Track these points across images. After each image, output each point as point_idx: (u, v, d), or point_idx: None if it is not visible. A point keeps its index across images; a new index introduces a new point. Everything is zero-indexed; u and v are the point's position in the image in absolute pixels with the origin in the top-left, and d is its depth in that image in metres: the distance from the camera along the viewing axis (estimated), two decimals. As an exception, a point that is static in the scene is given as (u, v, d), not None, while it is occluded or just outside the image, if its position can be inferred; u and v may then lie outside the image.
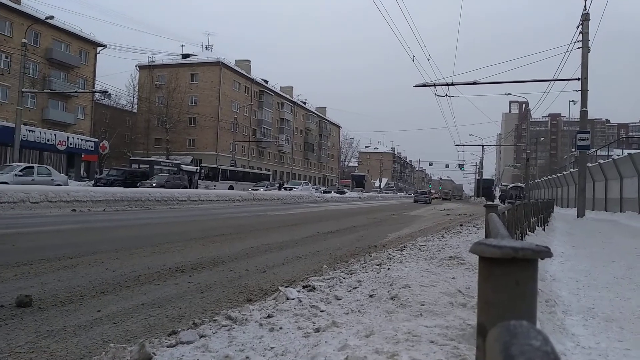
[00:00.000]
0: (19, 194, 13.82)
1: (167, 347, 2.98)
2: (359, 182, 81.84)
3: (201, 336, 3.15)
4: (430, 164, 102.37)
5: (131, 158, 46.17)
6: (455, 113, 62.80)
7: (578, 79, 18.93)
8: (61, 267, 5.57)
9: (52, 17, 32.76)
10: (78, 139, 37.76)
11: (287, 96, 77.30)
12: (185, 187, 30.40)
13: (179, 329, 3.39)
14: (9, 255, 6.14)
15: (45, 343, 3.19)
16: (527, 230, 9.97)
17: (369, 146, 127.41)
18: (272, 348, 2.89)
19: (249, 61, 67.15)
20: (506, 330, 0.68)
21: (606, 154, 28.35)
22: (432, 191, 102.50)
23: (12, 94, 36.77)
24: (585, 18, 18.36)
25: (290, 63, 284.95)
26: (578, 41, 18.67)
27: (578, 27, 18.67)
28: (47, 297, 4.30)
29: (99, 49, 47.24)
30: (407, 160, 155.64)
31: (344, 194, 52.85)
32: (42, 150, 34.10)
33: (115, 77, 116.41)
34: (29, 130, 32.48)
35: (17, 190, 14.03)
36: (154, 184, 28.07)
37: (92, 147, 38.29)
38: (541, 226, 12.97)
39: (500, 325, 0.73)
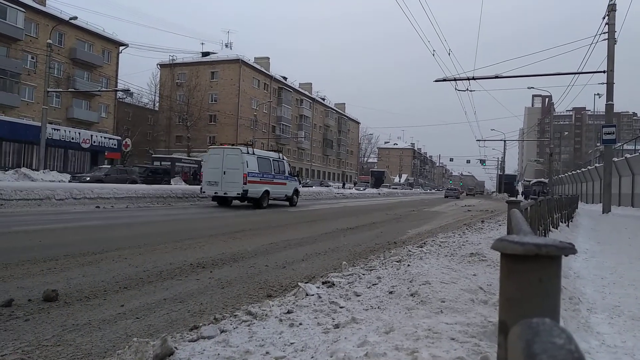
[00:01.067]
0: (45, 191, 14.16)
1: (189, 341, 3.02)
2: (378, 178, 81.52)
3: (222, 331, 3.18)
4: (451, 160, 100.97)
5: (153, 155, 46.87)
6: (476, 108, 61.84)
7: (604, 72, 18.46)
8: (86, 263, 5.70)
9: (75, 18, 33.35)
10: (101, 137, 38.42)
11: (306, 93, 77.33)
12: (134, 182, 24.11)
13: (200, 324, 3.43)
14: (36, 251, 6.30)
15: (71, 337, 3.27)
16: (551, 226, 9.79)
17: (388, 142, 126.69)
18: (291, 343, 2.90)
19: (268, 58, 67.42)
20: (529, 328, 0.67)
21: (633, 148, 27.59)
22: (452, 188, 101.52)
23: (38, 94, 37.65)
24: (611, 9, 17.88)
25: (309, 61, 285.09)
26: (604, 32, 18.20)
27: (604, 18, 18.19)
28: (72, 291, 4.39)
29: (121, 48, 47.99)
30: (428, 156, 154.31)
31: (328, 186, 50.36)
32: (67, 149, 34.80)
33: (137, 75, 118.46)
34: (54, 129, 33.17)
35: (43, 188, 14.38)
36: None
37: (115, 145, 38.92)
38: (565, 222, 12.73)
39: (522, 323, 0.71)
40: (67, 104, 42.27)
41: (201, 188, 17.75)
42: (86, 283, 4.74)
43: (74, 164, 34.81)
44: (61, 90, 38.11)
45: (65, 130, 34.90)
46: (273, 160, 19.18)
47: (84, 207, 14.35)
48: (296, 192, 20.23)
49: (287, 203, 19.93)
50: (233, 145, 18.71)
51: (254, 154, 17.81)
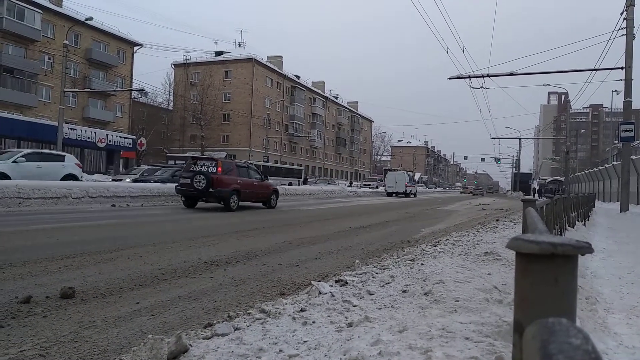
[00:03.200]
0: (62, 189, 14.37)
1: (203, 338, 3.04)
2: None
3: (236, 329, 3.20)
4: (465, 158, 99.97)
5: (167, 154, 47.36)
6: (490, 105, 61.35)
7: (622, 68, 18.14)
8: (102, 261, 5.77)
9: (91, 19, 33.79)
10: (117, 136, 38.86)
11: (319, 91, 77.34)
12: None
13: (214, 322, 3.45)
14: (53, 248, 6.40)
15: (87, 333, 3.32)
16: (567, 225, 9.66)
17: (401, 140, 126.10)
18: (305, 342, 2.90)
19: (281, 57, 67.56)
20: (544, 328, 0.66)
21: (652, 145, 27.12)
22: (466, 186, 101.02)
23: (54, 94, 38.26)
24: (630, 3, 17.54)
25: (323, 59, 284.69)
26: (622, 28, 17.87)
27: (622, 13, 17.86)
28: (88, 289, 4.46)
29: (135, 48, 48.54)
30: (441, 154, 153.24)
31: (335, 184, 49.63)
32: (83, 148, 35.27)
33: (152, 75, 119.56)
34: (71, 129, 33.64)
35: (60, 187, 14.59)
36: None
37: (130, 144, 39.35)
38: (581, 221, 12.55)
39: (538, 323, 0.70)
40: (83, 104, 42.89)
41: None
42: (102, 280, 4.80)
43: (90, 163, 35.26)
44: (77, 90, 38.67)
45: (81, 130, 35.39)
46: None
47: (100, 206, 14.54)
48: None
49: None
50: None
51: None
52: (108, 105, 45.54)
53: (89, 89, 40.76)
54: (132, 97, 49.51)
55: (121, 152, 38.27)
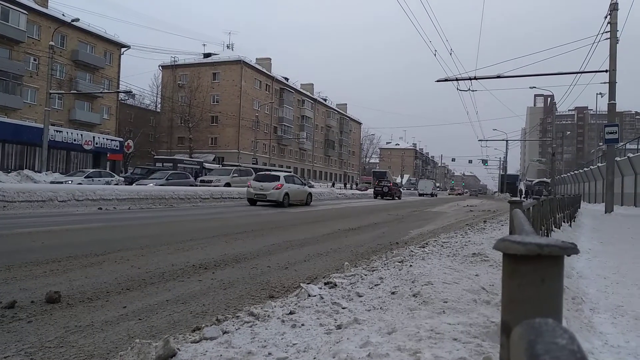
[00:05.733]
0: (47, 193, 14.19)
1: (191, 342, 3.02)
2: (381, 178, 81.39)
3: (224, 332, 3.18)
4: (453, 160, 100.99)
5: (155, 157, 46.97)
6: (478, 108, 61.89)
7: (606, 71, 18.42)
8: (88, 264, 5.70)
9: (77, 20, 33.48)
10: (103, 138, 38.52)
11: (308, 93, 77.35)
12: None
13: (203, 325, 3.43)
14: (38, 252, 6.31)
15: (73, 338, 3.28)
16: (553, 226, 9.77)
17: (390, 142, 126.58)
18: (294, 344, 2.90)
19: (270, 59, 67.48)
20: (531, 328, 0.67)
21: (636, 147, 27.53)
22: (454, 188, 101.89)
23: (40, 96, 37.77)
24: (613, 8, 17.84)
25: (310, 60, 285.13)
26: (606, 32, 18.15)
27: (606, 17, 18.15)
28: (75, 293, 4.40)
29: (122, 49, 48.12)
30: (429, 156, 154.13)
31: (312, 186, 49.52)
32: (69, 150, 34.90)
33: (139, 77, 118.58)
34: (57, 131, 33.28)
35: (45, 190, 14.41)
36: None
37: (117, 146, 39.02)
38: (567, 222, 12.70)
39: (525, 323, 0.71)
40: (69, 106, 42.39)
41: None
42: (89, 284, 4.74)
43: (76, 165, 34.89)
44: (63, 92, 38.25)
45: (67, 132, 35.02)
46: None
47: (87, 209, 14.38)
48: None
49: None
50: None
51: None
52: (95, 107, 45.07)
53: (75, 91, 40.32)
54: (119, 99, 49.02)
55: (108, 155, 37.94)
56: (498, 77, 20.46)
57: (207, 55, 61.75)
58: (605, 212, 18.01)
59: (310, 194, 22.87)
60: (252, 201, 20.25)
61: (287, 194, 19.91)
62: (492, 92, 26.52)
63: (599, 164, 29.91)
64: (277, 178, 20.25)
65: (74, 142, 34.60)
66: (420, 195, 57.11)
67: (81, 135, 35.99)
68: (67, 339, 3.24)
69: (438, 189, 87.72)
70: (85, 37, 43.50)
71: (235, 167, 32.47)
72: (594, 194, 30.35)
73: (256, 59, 64.87)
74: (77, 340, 3.24)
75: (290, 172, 25.82)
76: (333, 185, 60.00)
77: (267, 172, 23.42)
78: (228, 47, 64.26)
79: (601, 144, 40.16)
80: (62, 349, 3.07)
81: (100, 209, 14.75)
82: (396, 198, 38.80)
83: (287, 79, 71.09)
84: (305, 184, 23.71)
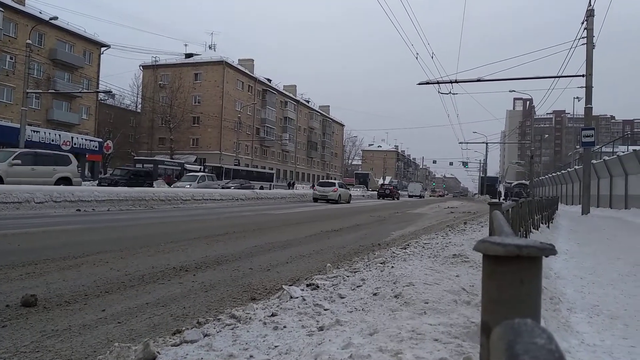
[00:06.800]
0: (24, 194, 13.88)
1: (172, 346, 2.98)
2: (363, 181, 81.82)
3: (205, 335, 3.15)
4: (434, 162, 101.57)
5: (135, 158, 46.37)
6: (459, 111, 62.55)
7: (583, 76, 18.82)
8: (66, 267, 5.60)
9: (56, 18, 32.89)
10: (82, 139, 37.88)
11: (291, 95, 77.27)
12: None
13: (183, 328, 3.39)
14: (14, 255, 6.16)
15: (50, 342, 3.21)
16: (532, 227, 9.93)
17: (372, 144, 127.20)
18: (276, 347, 2.89)
19: (252, 60, 67.23)
20: (510, 329, 0.68)
21: (611, 150, 28.17)
22: (435, 189, 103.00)
23: (16, 95, 36.96)
24: (589, 14, 18.25)
25: (294, 62, 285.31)
26: (583, 37, 18.56)
27: (583, 23, 18.56)
28: (52, 296, 4.31)
29: (102, 49, 47.40)
30: (411, 158, 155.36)
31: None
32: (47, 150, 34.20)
33: (119, 77, 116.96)
34: (34, 131, 32.62)
35: (22, 191, 14.09)
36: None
37: (96, 147, 38.42)
38: (546, 224, 12.93)
39: (504, 324, 0.72)
40: (47, 106, 41.56)
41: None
42: (66, 287, 4.65)
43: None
44: (41, 91, 37.51)
45: (45, 132, 34.36)
46: None
47: (65, 210, 14.11)
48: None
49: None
50: None
51: None
52: (73, 107, 44.26)
53: (53, 90, 39.54)
54: (99, 99, 48.25)
55: (87, 155, 37.32)
56: (478, 80, 20.75)
57: (188, 55, 61.22)
58: (582, 214, 18.39)
59: (350, 195, 31.99)
60: (315, 199, 28.65)
61: (340, 194, 28.53)
62: (472, 95, 26.90)
63: (576, 167, 30.51)
64: (333, 184, 29.48)
65: (51, 143, 33.93)
66: (410, 196, 62.92)
67: (59, 135, 35.33)
68: (43, 344, 3.17)
69: (426, 191, 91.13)
70: (64, 36, 42.72)
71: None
72: (572, 196, 30.95)
73: (239, 59, 64.59)
74: (54, 344, 3.17)
75: (338, 180, 36.10)
76: (292, 185, 59.14)
77: (327, 180, 35.71)
78: (210, 47, 63.86)
79: (578, 146, 41.03)
80: (38, 354, 3.00)
81: (79, 210, 14.49)
82: (396, 199, 46.46)
83: (269, 80, 70.91)
84: (348, 188, 34.17)
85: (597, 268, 6.24)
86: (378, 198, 46.06)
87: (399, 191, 57.56)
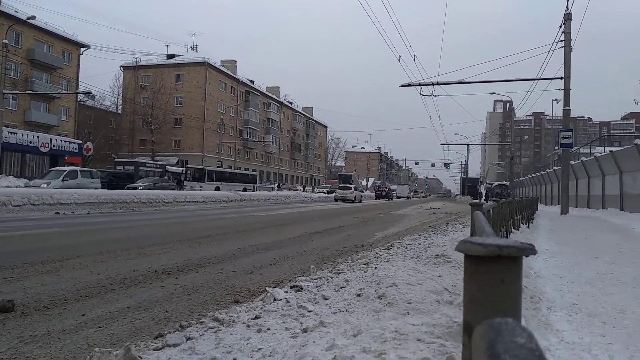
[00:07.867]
0: (0, 197, 13.57)
1: (154, 350, 2.95)
2: (346, 182, 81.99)
3: (188, 338, 3.12)
4: (417, 163, 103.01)
5: (116, 160, 45.65)
6: (440, 112, 63.39)
7: (561, 78, 19.19)
8: (45, 271, 5.49)
9: (33, 18, 32.27)
10: (61, 140, 37.18)
11: (274, 96, 77.06)
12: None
13: (166, 332, 3.35)
14: (-10, 259, 6.02)
15: (28, 348, 3.14)
16: (512, 227, 10.07)
17: (355, 146, 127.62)
18: (259, 349, 2.87)
19: (235, 61, 66.85)
20: (491, 328, 0.68)
21: (589, 151, 28.76)
22: (418, 191, 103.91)
23: (-8, 96, 36.08)
24: (567, 18, 18.62)
25: (276, 63, 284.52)
26: (561, 40, 18.93)
27: (560, 26, 18.93)
28: (30, 301, 4.22)
29: (82, 49, 46.62)
30: (394, 159, 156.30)
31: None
32: (25, 153, 33.52)
33: (100, 78, 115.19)
34: (11, 132, 31.90)
35: (-2, 194, 13.78)
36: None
37: (75, 148, 37.74)
38: (526, 224, 13.12)
39: (485, 323, 0.73)
40: (24, 107, 40.68)
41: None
42: (45, 292, 4.56)
43: (32, 168, 33.55)
44: (18, 92, 36.72)
45: (22, 134, 33.63)
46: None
47: (43, 214, 13.84)
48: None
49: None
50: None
51: None
52: (52, 109, 43.43)
53: (31, 91, 38.71)
54: (78, 100, 47.41)
55: (66, 157, 36.62)
56: (460, 82, 20.98)
57: (170, 56, 60.59)
58: (561, 214, 18.72)
59: (362, 196, 41.30)
60: (336, 200, 36.05)
61: (355, 196, 36.60)
62: (454, 97, 27.18)
63: (555, 168, 31.03)
64: (350, 188, 37.83)
65: (29, 145, 33.26)
66: (398, 197, 67.84)
67: (37, 137, 34.63)
68: (20, 350, 3.10)
69: (411, 192, 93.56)
70: (42, 36, 41.89)
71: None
72: (551, 196, 31.47)
73: (221, 61, 64.14)
74: (32, 350, 3.11)
75: (353, 185, 43.42)
76: (278, 186, 58.63)
77: (345, 184, 42.00)
78: (192, 48, 63.30)
79: (557, 148, 41.73)
80: (16, 360, 2.93)
81: (58, 213, 14.23)
82: (390, 199, 53.33)
83: (252, 82, 70.62)
84: (361, 190, 41.87)
85: (576, 267, 6.36)
86: (375, 198, 53.44)
87: None
